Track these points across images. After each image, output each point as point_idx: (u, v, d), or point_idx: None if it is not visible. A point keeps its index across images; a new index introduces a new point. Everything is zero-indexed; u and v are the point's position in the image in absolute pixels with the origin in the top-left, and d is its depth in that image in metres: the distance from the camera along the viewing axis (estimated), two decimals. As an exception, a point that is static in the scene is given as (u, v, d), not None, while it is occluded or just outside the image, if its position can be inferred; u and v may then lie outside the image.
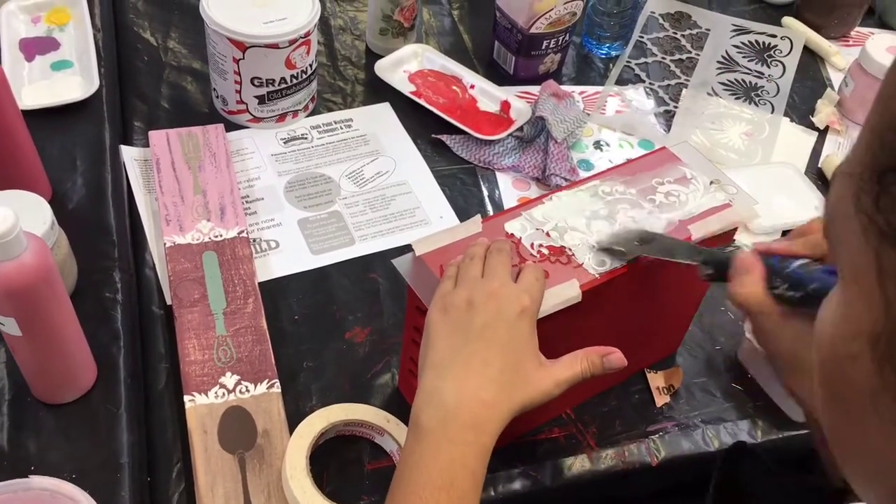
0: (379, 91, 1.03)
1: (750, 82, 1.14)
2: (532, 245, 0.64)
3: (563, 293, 0.62)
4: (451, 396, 0.55)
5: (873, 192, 0.30)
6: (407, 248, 0.65)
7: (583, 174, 0.97)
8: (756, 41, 1.21)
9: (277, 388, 0.73)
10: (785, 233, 0.95)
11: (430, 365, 0.58)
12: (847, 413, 0.34)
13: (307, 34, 0.91)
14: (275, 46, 0.89)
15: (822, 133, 1.08)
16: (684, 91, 1.11)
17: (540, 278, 0.60)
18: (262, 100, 0.95)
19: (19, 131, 0.79)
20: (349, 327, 0.81)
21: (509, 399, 0.57)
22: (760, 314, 0.56)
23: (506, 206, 0.94)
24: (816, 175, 1.03)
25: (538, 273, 0.60)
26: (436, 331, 0.58)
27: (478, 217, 0.66)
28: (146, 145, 0.93)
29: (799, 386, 0.55)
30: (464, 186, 0.96)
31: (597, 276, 0.63)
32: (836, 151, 1.06)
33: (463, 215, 0.92)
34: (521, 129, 1.00)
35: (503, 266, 0.60)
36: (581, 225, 0.66)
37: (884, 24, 1.26)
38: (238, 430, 0.70)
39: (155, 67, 1.02)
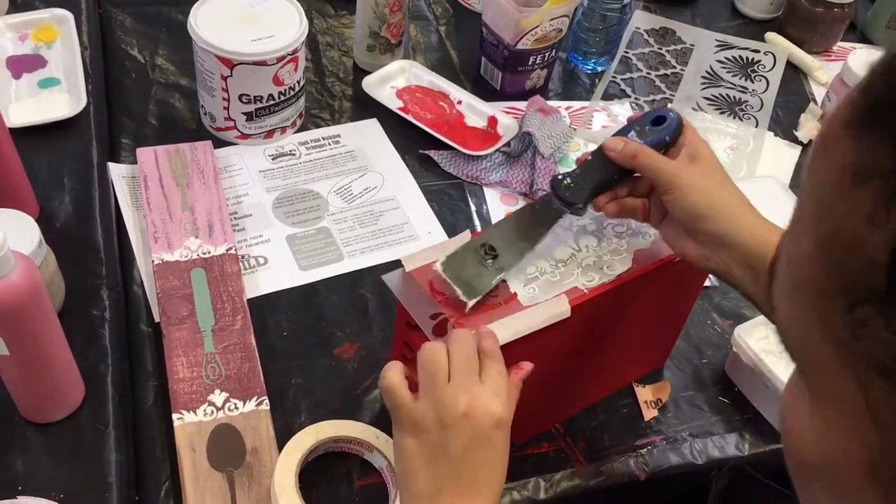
0: (367, 107, 1.04)
1: (734, 97, 1.15)
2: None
3: (553, 309, 0.62)
4: None
5: (848, 324, 0.28)
6: (396, 264, 0.65)
7: (570, 189, 0.98)
8: (740, 56, 1.22)
9: (266, 406, 0.73)
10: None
11: (417, 494, 0.56)
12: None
13: (295, 51, 0.91)
14: (263, 63, 0.90)
15: (806, 147, 1.09)
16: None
17: (502, 371, 0.58)
18: (250, 116, 0.95)
19: (7, 149, 0.79)
20: (338, 343, 0.81)
21: (497, 499, 0.57)
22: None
23: (494, 221, 0.94)
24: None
25: (500, 366, 0.58)
26: (413, 459, 0.56)
27: (467, 233, 0.66)
28: (134, 162, 0.93)
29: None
30: (452, 202, 0.96)
31: (585, 291, 0.64)
32: (820, 165, 1.06)
33: (451, 230, 0.92)
34: (508, 144, 1.00)
35: (471, 364, 0.57)
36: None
37: (865, 39, 1.28)
38: (227, 447, 0.70)
39: (142, 84, 1.02)
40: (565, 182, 0.65)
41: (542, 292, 0.63)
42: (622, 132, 0.65)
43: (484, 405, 0.55)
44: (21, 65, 0.99)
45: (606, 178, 0.65)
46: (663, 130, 0.64)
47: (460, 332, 0.59)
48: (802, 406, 0.33)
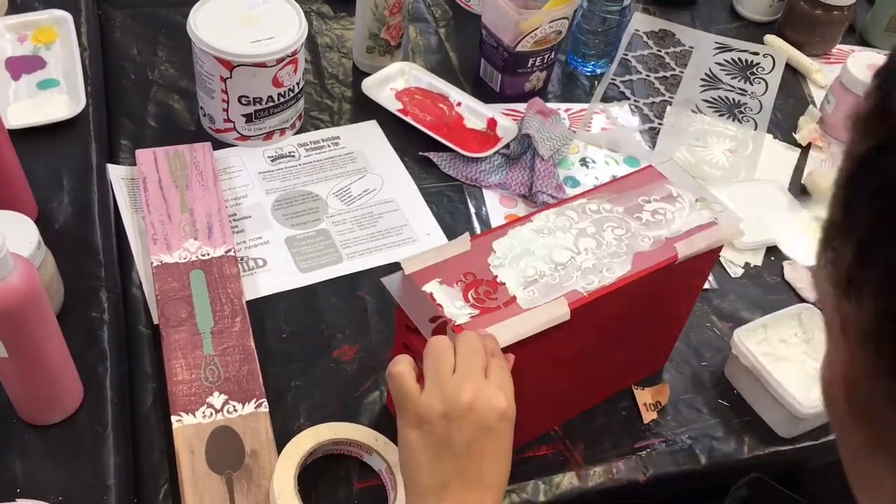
0: (366, 109, 1.04)
1: (733, 99, 1.15)
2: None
3: (552, 312, 0.62)
4: None
5: (827, 246, 0.34)
6: (395, 266, 0.65)
7: (569, 191, 0.98)
8: (739, 59, 1.22)
9: (265, 408, 0.73)
10: (769, 249, 0.96)
11: (422, 487, 0.56)
12: (845, 449, 0.38)
13: (294, 53, 0.91)
14: (262, 65, 0.90)
15: (805, 149, 1.09)
16: (669, 108, 1.12)
17: (505, 367, 0.58)
18: (249, 118, 0.95)
19: (5, 150, 0.78)
20: (337, 345, 0.81)
21: (502, 493, 0.57)
22: None
23: (493, 224, 0.94)
24: (800, 191, 1.04)
25: (502, 362, 0.59)
26: (418, 452, 0.56)
27: (466, 235, 0.66)
28: (133, 164, 0.92)
29: None
30: (451, 204, 0.96)
31: (585, 294, 0.64)
32: (819, 167, 1.07)
33: (450, 232, 0.92)
34: (507, 146, 1.00)
35: (476, 359, 0.57)
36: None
37: (864, 42, 1.28)
38: (226, 450, 0.70)
39: (142, 86, 1.02)
40: None
41: (542, 295, 0.63)
42: None
43: (488, 398, 0.55)
44: (20, 66, 0.99)
45: None
46: None
47: (467, 332, 0.59)
48: (827, 348, 0.38)
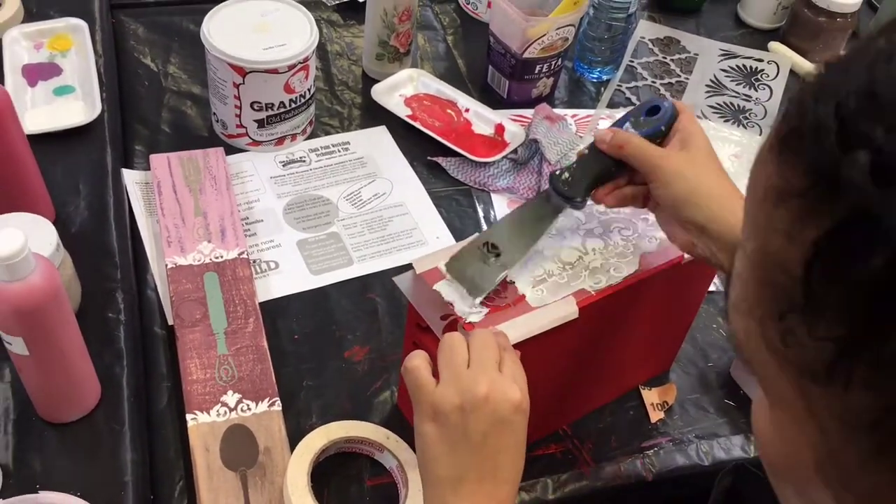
0: (375, 115, 1.05)
1: (738, 105, 1.17)
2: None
3: (561, 310, 0.63)
4: None
5: (779, 332, 0.31)
6: (404, 269, 0.67)
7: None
8: (743, 65, 1.23)
9: (278, 407, 0.75)
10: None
11: (438, 480, 0.57)
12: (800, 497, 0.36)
13: (306, 59, 0.93)
14: (274, 71, 0.91)
15: (810, 154, 1.10)
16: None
17: (517, 361, 0.59)
18: (261, 124, 0.96)
19: (25, 155, 0.80)
20: (348, 346, 0.82)
21: (517, 485, 0.58)
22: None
23: (501, 227, 0.95)
24: (804, 195, 1.05)
25: (515, 356, 0.60)
26: (434, 445, 0.56)
27: (476, 236, 0.67)
28: (147, 169, 0.94)
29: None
30: (460, 207, 0.97)
31: (593, 293, 0.65)
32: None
33: (459, 236, 0.94)
34: (515, 151, 1.02)
35: (490, 354, 0.58)
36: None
37: (868, 49, 1.29)
38: (240, 447, 0.71)
39: (155, 93, 1.04)
40: (563, 177, 0.66)
41: (550, 294, 0.64)
42: (618, 124, 0.67)
43: (503, 390, 0.56)
44: (36, 73, 1.00)
45: (603, 169, 0.66)
46: (657, 121, 0.65)
47: (479, 329, 0.60)
48: (764, 411, 0.35)
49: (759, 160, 0.32)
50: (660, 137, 0.65)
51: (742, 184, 1.00)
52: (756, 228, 0.32)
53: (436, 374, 0.58)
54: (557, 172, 0.67)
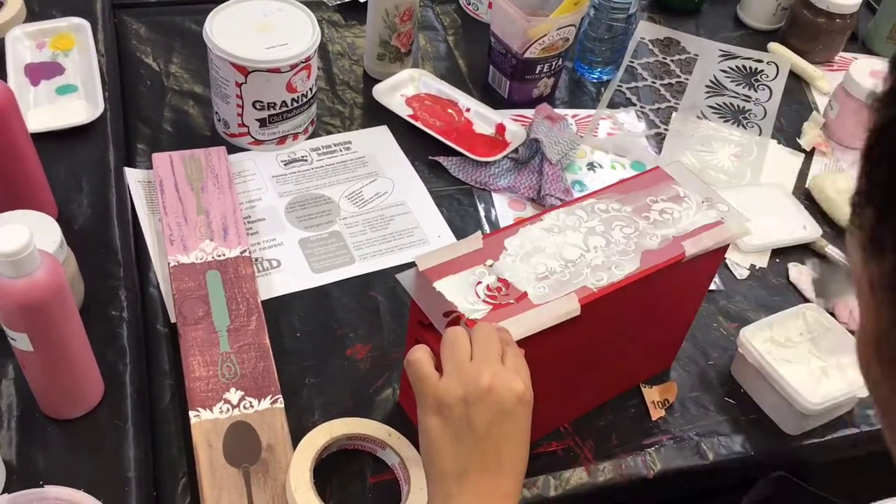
0: (377, 114, 1.06)
1: (738, 106, 1.17)
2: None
3: (563, 307, 0.64)
4: None
5: (856, 212, 0.37)
6: (406, 267, 0.67)
7: (577, 195, 0.99)
8: (743, 66, 1.24)
9: (280, 404, 0.75)
10: (775, 251, 0.98)
11: (443, 473, 0.57)
12: (879, 402, 0.40)
13: (308, 59, 0.93)
14: (276, 71, 0.92)
15: (809, 154, 1.11)
16: (674, 114, 1.14)
17: (520, 354, 0.60)
18: (263, 123, 0.97)
19: (29, 153, 0.80)
20: (350, 344, 0.83)
21: (522, 477, 0.58)
22: None
23: (502, 225, 0.96)
24: (804, 195, 1.05)
25: (517, 350, 0.60)
26: (438, 438, 0.57)
27: (478, 234, 0.68)
28: (149, 167, 0.94)
29: None
30: (461, 207, 0.98)
31: (595, 290, 0.65)
32: (823, 172, 1.08)
33: (460, 234, 0.94)
34: (516, 150, 1.02)
35: (493, 347, 0.58)
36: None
37: (867, 50, 1.30)
38: (242, 444, 0.72)
39: (157, 92, 1.04)
40: None
41: (553, 291, 0.65)
42: None
43: (507, 381, 0.56)
44: (39, 72, 1.01)
45: None
46: None
47: (482, 323, 0.60)
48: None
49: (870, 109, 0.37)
50: None
51: (740, 183, 1.00)
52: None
53: (438, 368, 0.59)
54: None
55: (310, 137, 1.02)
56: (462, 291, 0.64)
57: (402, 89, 1.09)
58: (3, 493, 0.65)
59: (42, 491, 0.57)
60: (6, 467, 0.67)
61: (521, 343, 0.62)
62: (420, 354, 0.59)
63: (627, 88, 1.17)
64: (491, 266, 0.66)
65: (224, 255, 0.86)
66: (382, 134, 1.05)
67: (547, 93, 1.12)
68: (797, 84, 1.22)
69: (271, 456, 0.71)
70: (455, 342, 0.58)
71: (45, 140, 0.91)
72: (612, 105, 1.14)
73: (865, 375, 0.40)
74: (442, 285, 0.64)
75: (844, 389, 0.78)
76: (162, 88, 1.05)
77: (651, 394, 0.82)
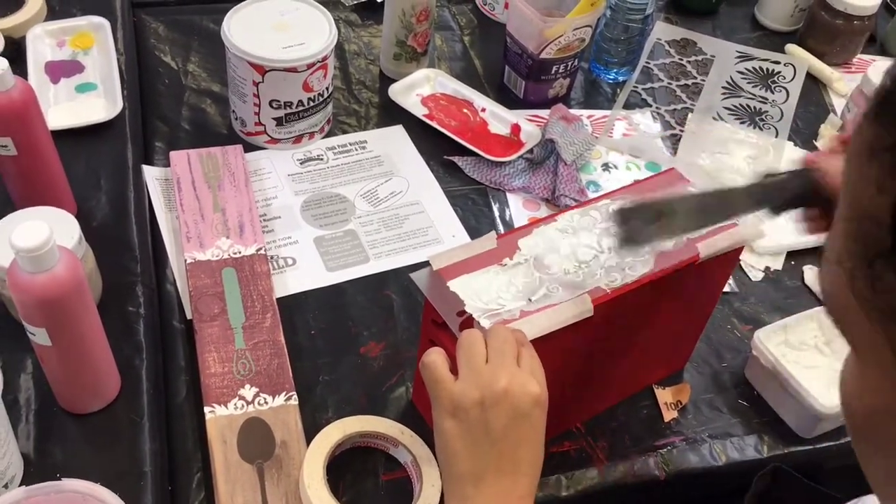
0: (393, 114, 1.06)
1: (754, 107, 1.17)
2: None
3: (576, 308, 0.64)
4: None
5: (867, 280, 0.33)
6: (420, 266, 0.67)
7: (591, 195, 0.99)
8: (760, 67, 1.23)
9: (295, 401, 0.75)
10: (790, 254, 0.97)
11: (459, 475, 0.57)
12: (885, 458, 0.38)
13: (325, 58, 0.94)
14: (293, 70, 0.92)
15: (826, 157, 1.10)
16: (690, 115, 1.14)
17: (535, 356, 0.60)
18: (279, 122, 0.97)
19: (49, 151, 0.81)
20: (364, 342, 0.83)
21: (537, 478, 0.58)
22: None
23: (516, 225, 0.96)
24: (820, 197, 1.05)
25: (532, 352, 0.60)
26: (454, 440, 0.57)
27: (493, 233, 0.68)
28: (167, 165, 0.95)
29: None
30: (475, 206, 0.98)
31: (608, 291, 0.65)
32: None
33: (474, 234, 0.94)
34: (531, 151, 1.02)
35: (508, 349, 0.58)
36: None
37: (885, 52, 1.29)
38: (257, 440, 0.72)
39: (175, 90, 1.05)
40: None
41: (566, 292, 0.65)
42: None
43: (523, 384, 0.56)
44: (59, 70, 1.02)
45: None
46: None
47: (496, 325, 0.61)
48: (852, 368, 0.37)
49: (857, 129, 0.34)
50: None
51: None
52: (849, 185, 0.34)
53: (453, 370, 0.59)
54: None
55: (326, 136, 1.03)
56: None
57: (417, 89, 1.10)
58: (21, 485, 0.66)
59: (59, 484, 0.58)
60: (24, 460, 0.68)
61: (534, 343, 0.62)
62: (435, 357, 0.59)
63: (643, 89, 1.17)
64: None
65: (240, 252, 0.86)
66: (398, 133, 1.05)
67: (562, 93, 1.12)
68: (814, 86, 1.22)
69: (285, 452, 0.72)
70: (471, 345, 0.58)
71: (65, 137, 0.92)
72: (628, 106, 1.14)
73: (855, 437, 0.38)
74: (456, 285, 0.64)
75: (859, 393, 0.78)
76: (180, 87, 1.06)
77: (664, 395, 0.82)
